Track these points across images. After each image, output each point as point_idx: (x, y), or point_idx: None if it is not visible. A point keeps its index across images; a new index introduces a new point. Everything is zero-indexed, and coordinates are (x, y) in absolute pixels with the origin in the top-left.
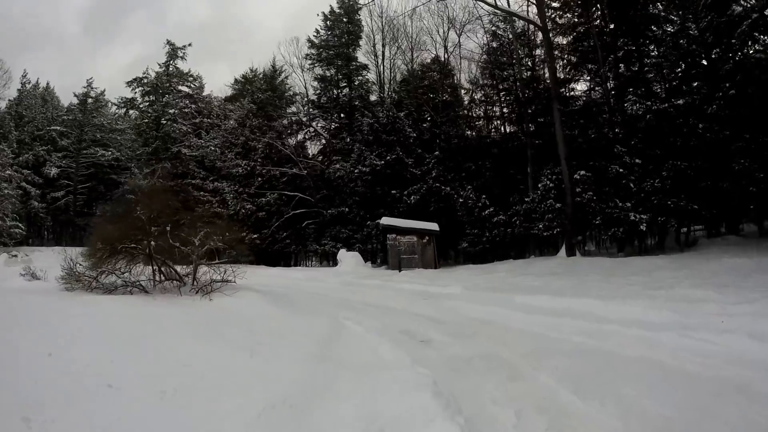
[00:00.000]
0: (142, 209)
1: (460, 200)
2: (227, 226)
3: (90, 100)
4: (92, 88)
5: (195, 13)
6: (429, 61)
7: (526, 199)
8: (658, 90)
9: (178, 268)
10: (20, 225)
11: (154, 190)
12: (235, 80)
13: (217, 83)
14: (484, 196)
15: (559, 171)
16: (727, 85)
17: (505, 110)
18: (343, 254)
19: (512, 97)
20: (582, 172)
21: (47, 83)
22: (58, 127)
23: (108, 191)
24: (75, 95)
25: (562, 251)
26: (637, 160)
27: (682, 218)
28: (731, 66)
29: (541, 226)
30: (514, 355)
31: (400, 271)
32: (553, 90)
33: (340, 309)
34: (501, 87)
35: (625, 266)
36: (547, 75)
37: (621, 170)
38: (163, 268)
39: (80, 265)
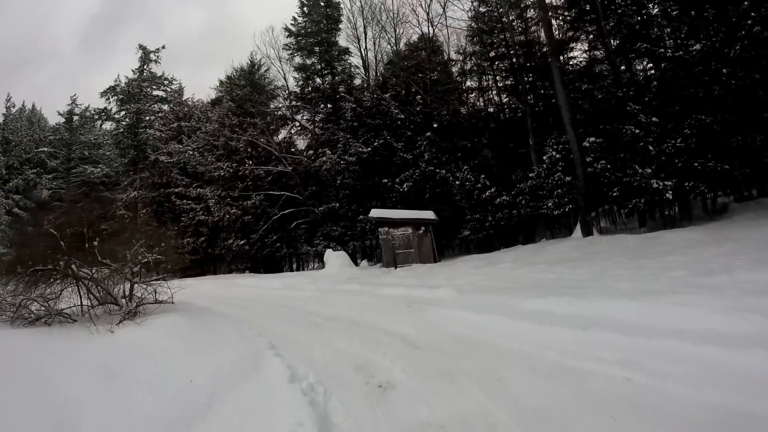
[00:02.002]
0: (51, 224)
1: (457, 183)
2: (165, 234)
3: (76, 118)
4: (76, 104)
5: (190, 24)
6: (415, 39)
7: (531, 175)
8: (670, 41)
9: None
10: (12, 253)
11: (72, 201)
12: (220, 82)
13: (208, 90)
14: (483, 176)
15: (566, 139)
16: (749, 22)
17: (499, 80)
18: (329, 255)
19: (506, 63)
20: (591, 139)
21: (33, 105)
22: (46, 149)
23: (103, 208)
24: (59, 113)
25: (577, 231)
26: (653, 119)
27: (712, 182)
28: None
29: (550, 203)
30: (519, 422)
31: (396, 269)
32: (550, 46)
33: (290, 329)
34: (493, 54)
35: (653, 244)
36: (542, 38)
37: (637, 131)
38: (95, 291)
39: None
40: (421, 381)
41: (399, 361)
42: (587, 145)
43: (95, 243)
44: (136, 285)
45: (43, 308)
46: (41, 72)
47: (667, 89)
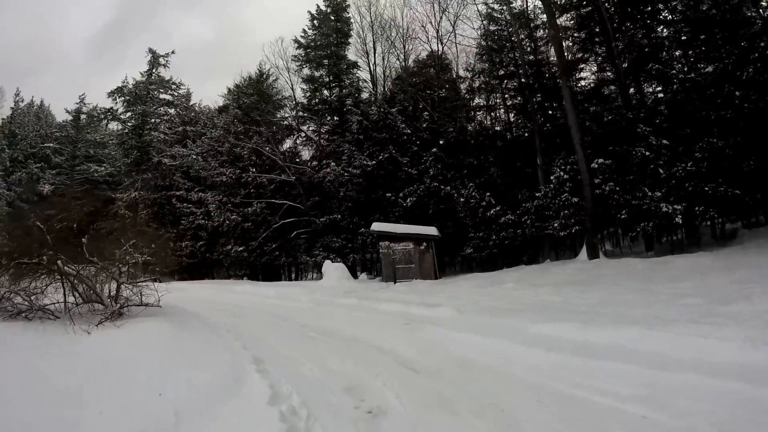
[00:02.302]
0: (37, 218)
1: (462, 200)
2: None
3: (83, 116)
4: (84, 104)
5: (200, 37)
6: (424, 56)
7: (537, 195)
8: (679, 65)
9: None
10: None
11: (61, 196)
12: (228, 90)
13: (216, 98)
14: (488, 194)
15: (574, 160)
16: (762, 44)
17: (507, 99)
18: (327, 266)
19: (515, 82)
20: (600, 160)
21: (41, 101)
22: (52, 144)
23: (104, 208)
24: (67, 111)
25: (583, 253)
26: (664, 141)
27: (723, 207)
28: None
29: (556, 224)
30: None
31: (395, 283)
32: (560, 66)
33: (281, 342)
34: (502, 72)
35: (663, 269)
36: (551, 57)
37: (647, 153)
38: (81, 289)
39: None
40: (417, 409)
41: (393, 384)
42: (595, 166)
43: (84, 240)
44: (123, 285)
45: (26, 302)
46: (50, 75)
47: (678, 112)
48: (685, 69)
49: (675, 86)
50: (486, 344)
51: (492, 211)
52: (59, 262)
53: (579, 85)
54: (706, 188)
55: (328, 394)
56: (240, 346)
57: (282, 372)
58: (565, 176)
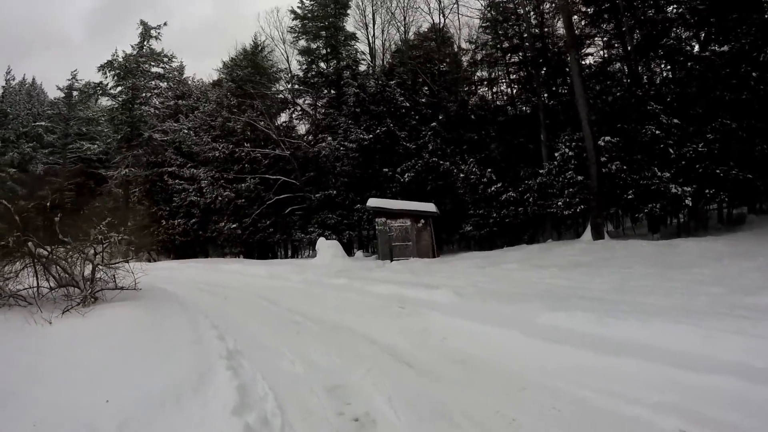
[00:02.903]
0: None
1: (462, 176)
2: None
3: (75, 93)
4: (76, 80)
5: (199, 14)
6: (425, 29)
7: (541, 172)
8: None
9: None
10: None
11: (54, 175)
12: (224, 64)
13: (211, 72)
14: (489, 170)
15: (579, 137)
16: None
17: (511, 73)
18: (321, 243)
19: (519, 56)
20: (607, 138)
21: (33, 79)
22: (44, 123)
23: (98, 186)
24: (59, 88)
25: (587, 233)
26: (674, 120)
27: (734, 190)
28: None
29: (560, 203)
30: None
31: (391, 261)
32: (569, 37)
33: (262, 329)
34: (506, 45)
35: (673, 253)
36: (558, 30)
37: (657, 132)
38: (55, 272)
39: None
40: (411, 419)
41: (384, 384)
42: (602, 144)
43: (57, 219)
44: (98, 267)
45: None
46: (48, 56)
47: (690, 91)
48: (696, 49)
49: (689, 64)
50: (490, 335)
51: (493, 188)
52: (30, 243)
53: (586, 62)
54: (717, 170)
55: (309, 395)
56: (215, 335)
57: (258, 367)
58: (570, 153)
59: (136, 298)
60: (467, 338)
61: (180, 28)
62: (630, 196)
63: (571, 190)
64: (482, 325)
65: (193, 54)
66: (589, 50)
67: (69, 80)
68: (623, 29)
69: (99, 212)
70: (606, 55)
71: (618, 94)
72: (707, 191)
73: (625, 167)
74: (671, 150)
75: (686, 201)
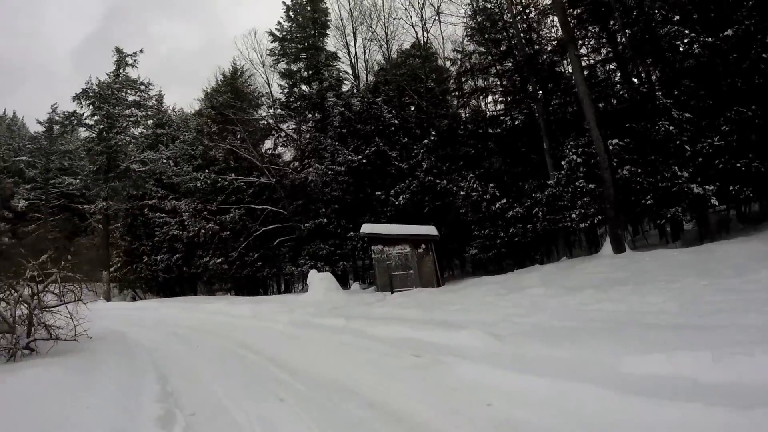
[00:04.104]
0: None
1: (462, 193)
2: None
3: (56, 127)
4: (56, 113)
5: (185, 46)
6: (407, 46)
7: (549, 183)
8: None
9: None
10: None
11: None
12: (205, 93)
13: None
14: (492, 185)
15: (587, 141)
16: None
17: (504, 79)
18: (313, 276)
19: (511, 61)
20: (615, 141)
21: (13, 113)
22: (25, 157)
23: (82, 222)
24: (39, 122)
25: (606, 246)
26: (686, 115)
27: (758, 185)
28: None
29: (573, 215)
30: None
31: (392, 293)
32: (566, 34)
33: (230, 395)
34: (494, 52)
35: (715, 260)
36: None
37: (671, 128)
38: None
39: None
40: None
41: None
42: (611, 148)
43: None
44: (37, 311)
45: None
46: (33, 91)
47: (699, 79)
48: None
49: (697, 50)
50: (561, 395)
51: (497, 205)
52: None
53: (584, 64)
54: (738, 164)
55: None
56: (160, 412)
57: None
58: (578, 160)
59: (78, 351)
60: (525, 401)
61: (167, 59)
62: (649, 202)
63: (585, 199)
64: (542, 378)
65: (180, 84)
66: (582, 51)
67: (49, 113)
68: (615, 26)
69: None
70: (604, 54)
71: (622, 91)
72: (732, 188)
73: (639, 170)
74: (687, 147)
75: (712, 201)
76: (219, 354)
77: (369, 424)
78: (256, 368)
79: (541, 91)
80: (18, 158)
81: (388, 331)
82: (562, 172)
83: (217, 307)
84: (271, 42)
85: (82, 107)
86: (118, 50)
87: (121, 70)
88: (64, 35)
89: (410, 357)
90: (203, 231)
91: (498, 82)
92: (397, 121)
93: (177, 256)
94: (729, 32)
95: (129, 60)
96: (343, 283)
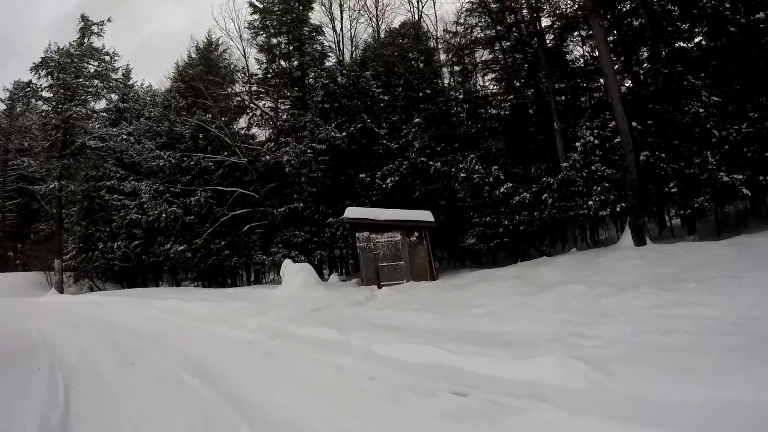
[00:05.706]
0: None
1: (462, 175)
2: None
3: (19, 105)
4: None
5: (173, 31)
6: (397, 26)
7: (564, 165)
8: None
9: None
10: None
11: None
12: (176, 67)
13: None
14: (495, 167)
15: (604, 120)
16: None
17: (508, 55)
18: (287, 267)
19: (515, 33)
20: (633, 123)
21: None
22: None
23: (42, 207)
24: (0, 100)
25: (626, 238)
26: (714, 99)
27: None
28: None
29: (591, 202)
30: None
31: (379, 288)
32: (589, 1)
33: None
34: (503, 21)
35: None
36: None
37: (701, 111)
38: None
39: None
40: None
41: None
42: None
43: None
44: None
45: None
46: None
47: (727, 61)
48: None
49: (730, 28)
50: None
51: (502, 189)
52: None
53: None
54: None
55: None
56: None
57: None
58: (595, 141)
59: None
60: None
61: (152, 42)
62: (673, 190)
63: (604, 185)
64: None
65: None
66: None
67: (10, 90)
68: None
69: None
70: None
71: (647, 68)
72: (762, 178)
73: (663, 155)
74: (715, 132)
75: (743, 191)
76: (157, 382)
77: None
78: (207, 417)
79: (553, 68)
80: None
81: (401, 352)
82: (576, 154)
83: (169, 305)
84: (251, 14)
85: (39, 78)
86: (83, 18)
87: (86, 39)
88: (40, 13)
89: (447, 396)
90: (165, 215)
91: (502, 57)
92: (386, 98)
93: (136, 243)
94: (761, 15)
95: (95, 29)
96: (320, 274)
